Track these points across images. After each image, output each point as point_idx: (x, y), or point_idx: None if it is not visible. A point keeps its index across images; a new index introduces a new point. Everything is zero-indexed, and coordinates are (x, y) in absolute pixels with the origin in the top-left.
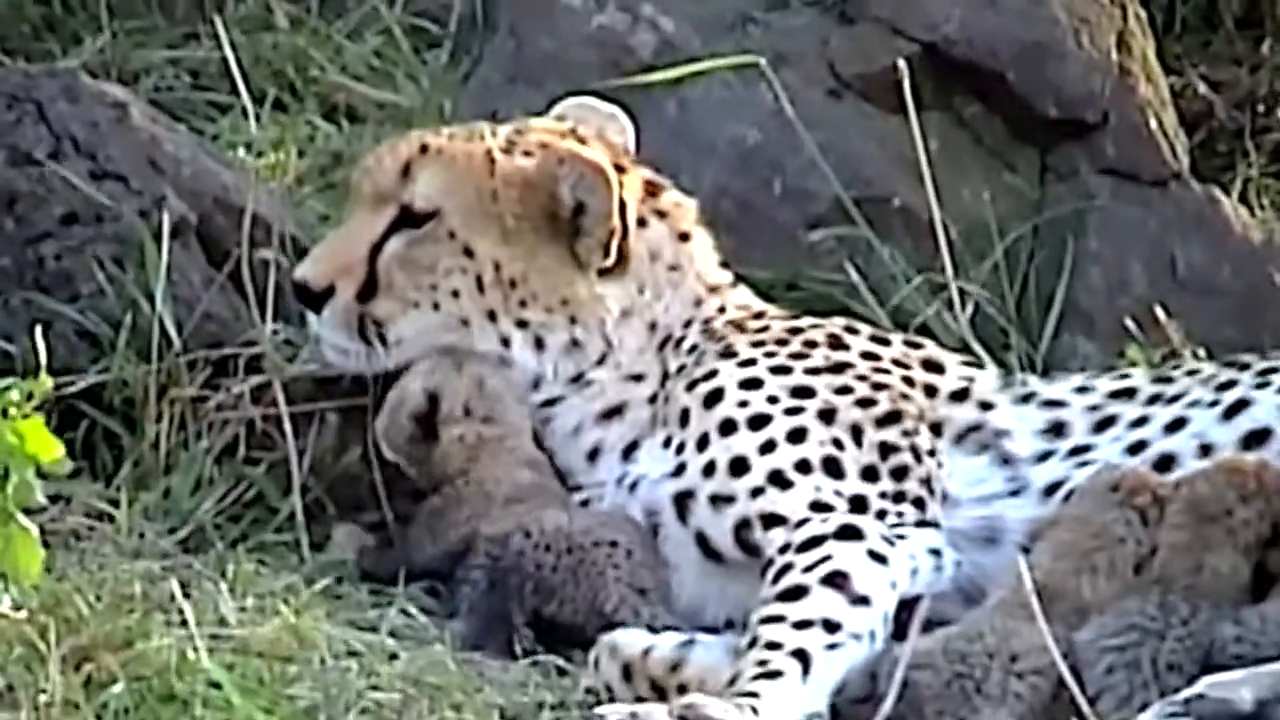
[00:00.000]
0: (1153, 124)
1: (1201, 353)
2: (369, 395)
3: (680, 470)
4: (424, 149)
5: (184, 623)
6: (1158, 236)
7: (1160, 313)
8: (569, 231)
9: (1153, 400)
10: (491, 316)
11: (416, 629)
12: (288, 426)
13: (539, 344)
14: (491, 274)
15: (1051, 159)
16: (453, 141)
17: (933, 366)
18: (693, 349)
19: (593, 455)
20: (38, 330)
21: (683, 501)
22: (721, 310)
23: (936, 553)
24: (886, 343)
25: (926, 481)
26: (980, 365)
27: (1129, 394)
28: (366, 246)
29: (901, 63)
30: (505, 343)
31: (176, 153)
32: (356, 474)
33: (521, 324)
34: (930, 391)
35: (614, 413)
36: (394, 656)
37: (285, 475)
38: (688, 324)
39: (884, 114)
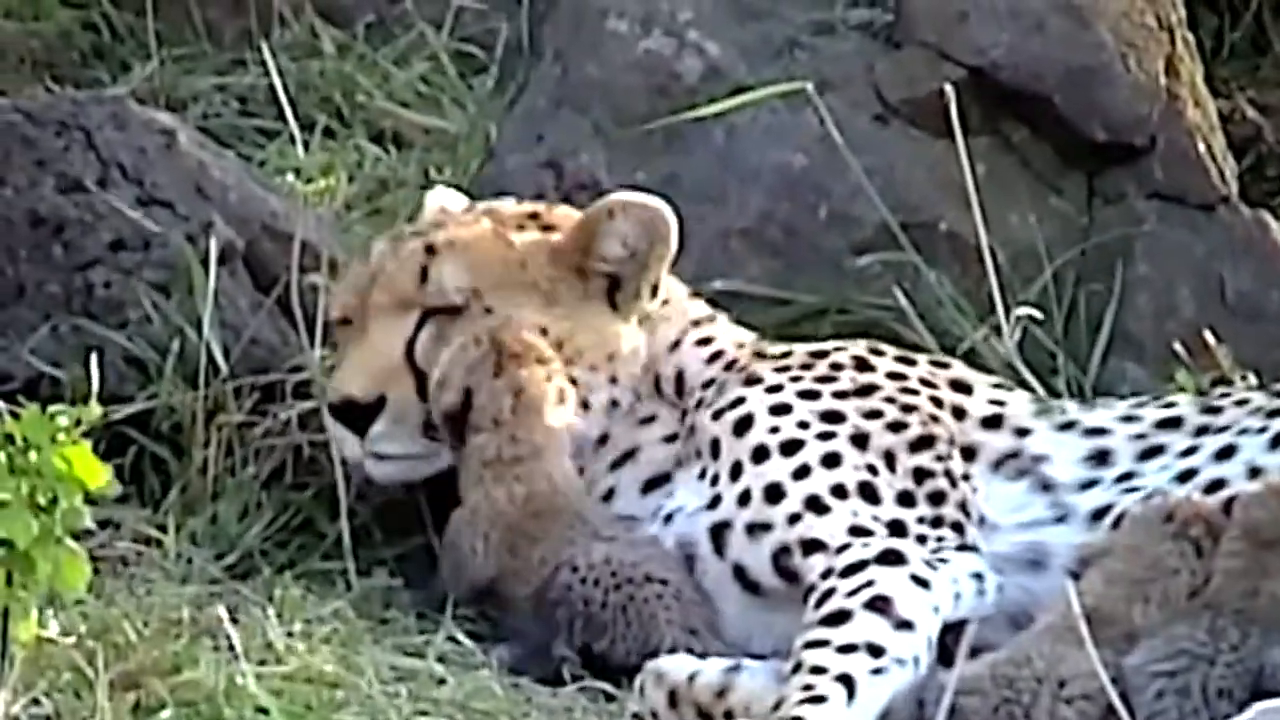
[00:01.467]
0: (1201, 148)
1: (1251, 378)
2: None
3: (715, 502)
4: (431, 249)
5: (231, 648)
6: (1206, 261)
7: (1209, 337)
8: (604, 284)
9: (1201, 431)
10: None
11: (464, 654)
12: (335, 452)
13: (585, 405)
14: (540, 343)
15: (1099, 183)
16: (457, 230)
17: (960, 387)
18: (708, 383)
19: (607, 497)
20: (89, 357)
21: (719, 533)
22: (707, 341)
23: (979, 577)
24: (913, 363)
25: (963, 506)
26: (1011, 387)
27: (1176, 423)
28: (401, 348)
29: (948, 88)
30: (585, 406)
31: (224, 179)
32: (403, 499)
33: (571, 382)
34: (959, 414)
35: (626, 458)
36: (441, 681)
37: (332, 501)
38: (676, 358)
39: (930, 139)
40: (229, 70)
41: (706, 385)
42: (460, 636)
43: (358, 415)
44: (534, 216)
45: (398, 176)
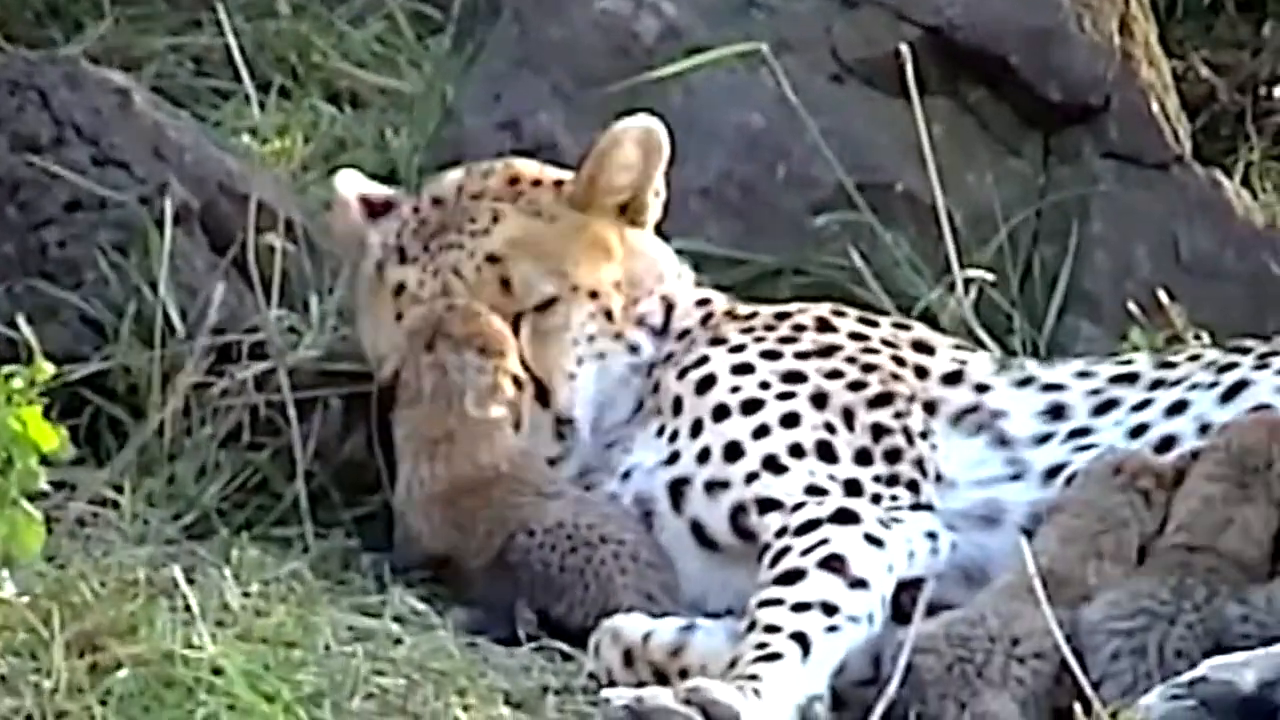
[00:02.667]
0: (1155, 108)
1: (1205, 337)
2: (373, 382)
3: (674, 458)
4: (494, 259)
5: (188, 609)
6: (1161, 220)
7: (1164, 296)
8: (618, 209)
9: (1155, 385)
10: (618, 336)
11: (420, 615)
12: (292, 412)
13: (654, 331)
14: (617, 297)
15: (1055, 143)
16: (498, 230)
17: (923, 348)
18: (684, 334)
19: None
20: (36, 318)
21: (677, 489)
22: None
23: (933, 535)
24: (875, 324)
25: (919, 464)
26: (972, 349)
27: (1131, 379)
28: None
29: (905, 48)
30: (634, 349)
31: (180, 139)
32: (361, 460)
33: (639, 321)
34: (921, 373)
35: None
36: (398, 642)
37: (289, 461)
38: (666, 290)
39: (888, 99)
40: (184, 30)
41: (681, 336)
42: (416, 597)
43: None
44: (515, 182)
45: (354, 137)
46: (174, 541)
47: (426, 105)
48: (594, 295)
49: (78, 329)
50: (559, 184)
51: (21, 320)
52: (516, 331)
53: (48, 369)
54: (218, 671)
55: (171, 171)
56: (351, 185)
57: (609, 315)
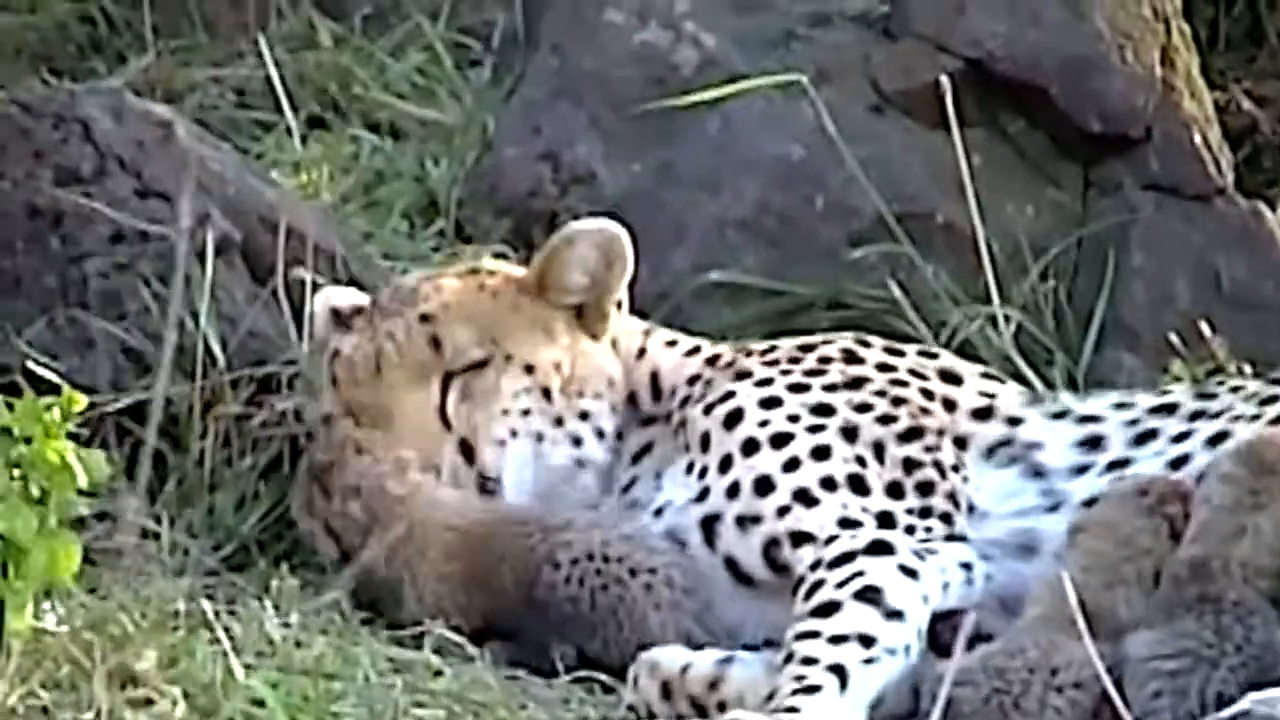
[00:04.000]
0: (1196, 139)
1: (1246, 368)
2: None
3: (704, 495)
4: (427, 318)
5: (229, 640)
6: (1202, 251)
7: (1205, 328)
8: (572, 313)
9: (1195, 416)
10: (559, 422)
11: (460, 645)
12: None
13: (600, 434)
14: (555, 379)
15: (1095, 174)
16: (437, 297)
17: (950, 378)
18: (694, 379)
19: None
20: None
21: (709, 525)
22: (673, 343)
23: (967, 566)
24: (901, 354)
25: (952, 496)
26: (1001, 378)
27: (1170, 410)
28: (435, 416)
29: (944, 79)
30: (577, 442)
31: (221, 171)
32: None
33: (584, 416)
34: (949, 405)
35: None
36: (438, 673)
37: None
38: (647, 364)
39: (926, 130)
40: (226, 62)
41: (693, 381)
42: (453, 632)
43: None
44: (474, 272)
45: (394, 168)
46: (214, 573)
47: (466, 136)
48: (529, 370)
49: (119, 361)
50: (510, 278)
51: (63, 352)
52: (445, 396)
53: (81, 400)
54: (258, 703)
55: (213, 203)
56: (324, 300)
57: (546, 394)
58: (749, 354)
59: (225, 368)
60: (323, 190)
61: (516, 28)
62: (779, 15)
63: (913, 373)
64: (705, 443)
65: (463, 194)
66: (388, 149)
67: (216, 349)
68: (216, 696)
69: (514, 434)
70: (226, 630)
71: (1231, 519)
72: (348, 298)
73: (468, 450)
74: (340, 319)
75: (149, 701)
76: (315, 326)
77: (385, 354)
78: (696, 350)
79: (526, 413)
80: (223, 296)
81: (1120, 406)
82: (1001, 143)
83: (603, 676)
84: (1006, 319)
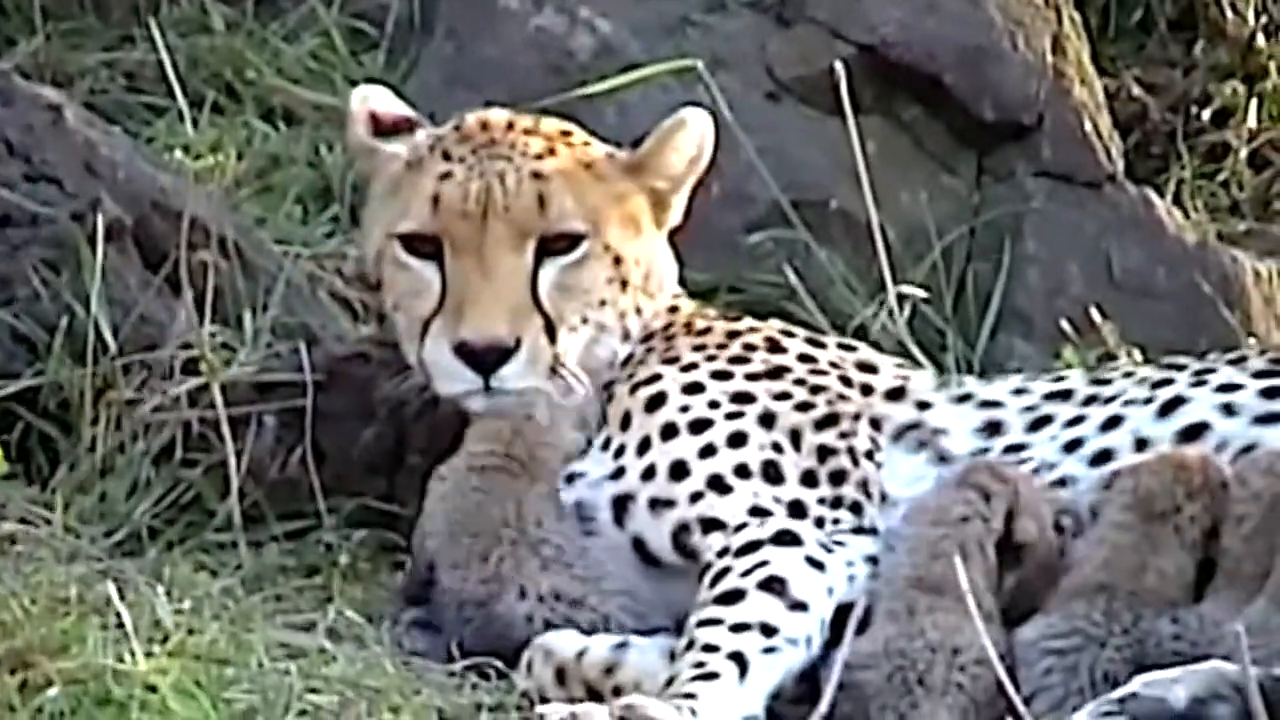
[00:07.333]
0: (1088, 126)
1: (1137, 354)
2: (306, 398)
3: (619, 474)
4: (539, 176)
5: (120, 626)
6: (1094, 238)
7: (1096, 314)
8: (652, 202)
9: (1089, 401)
10: (623, 315)
11: (354, 631)
12: (225, 429)
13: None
14: (636, 273)
15: (989, 162)
16: (554, 160)
17: (867, 368)
18: (648, 337)
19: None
20: None
21: (621, 504)
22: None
23: (873, 560)
24: (822, 345)
25: (864, 486)
26: (913, 368)
27: (1065, 395)
28: (528, 286)
29: (839, 65)
30: (626, 336)
31: (112, 155)
32: (294, 477)
33: (639, 311)
34: (866, 390)
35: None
36: (332, 659)
37: (223, 478)
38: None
39: (822, 117)
40: (117, 46)
41: (647, 338)
42: (351, 613)
43: (492, 358)
44: (566, 135)
45: (288, 153)
46: (106, 559)
47: None
48: (617, 261)
49: (9, 346)
50: (609, 154)
51: None
52: (538, 265)
53: None
54: (150, 689)
55: (104, 188)
56: (362, 99)
57: (624, 286)
58: (687, 330)
59: (117, 353)
60: (216, 175)
61: (412, 13)
62: (675, 1)
63: (832, 363)
64: (626, 422)
65: (357, 179)
66: (282, 134)
67: (108, 335)
68: (108, 683)
69: (584, 321)
70: (118, 616)
71: (1135, 556)
72: (387, 103)
73: (551, 332)
74: (380, 126)
75: (40, 687)
76: (354, 129)
77: (494, 197)
78: (674, 309)
79: (603, 303)
80: (114, 282)
81: (1018, 392)
82: (897, 130)
83: (497, 662)
84: (901, 305)
